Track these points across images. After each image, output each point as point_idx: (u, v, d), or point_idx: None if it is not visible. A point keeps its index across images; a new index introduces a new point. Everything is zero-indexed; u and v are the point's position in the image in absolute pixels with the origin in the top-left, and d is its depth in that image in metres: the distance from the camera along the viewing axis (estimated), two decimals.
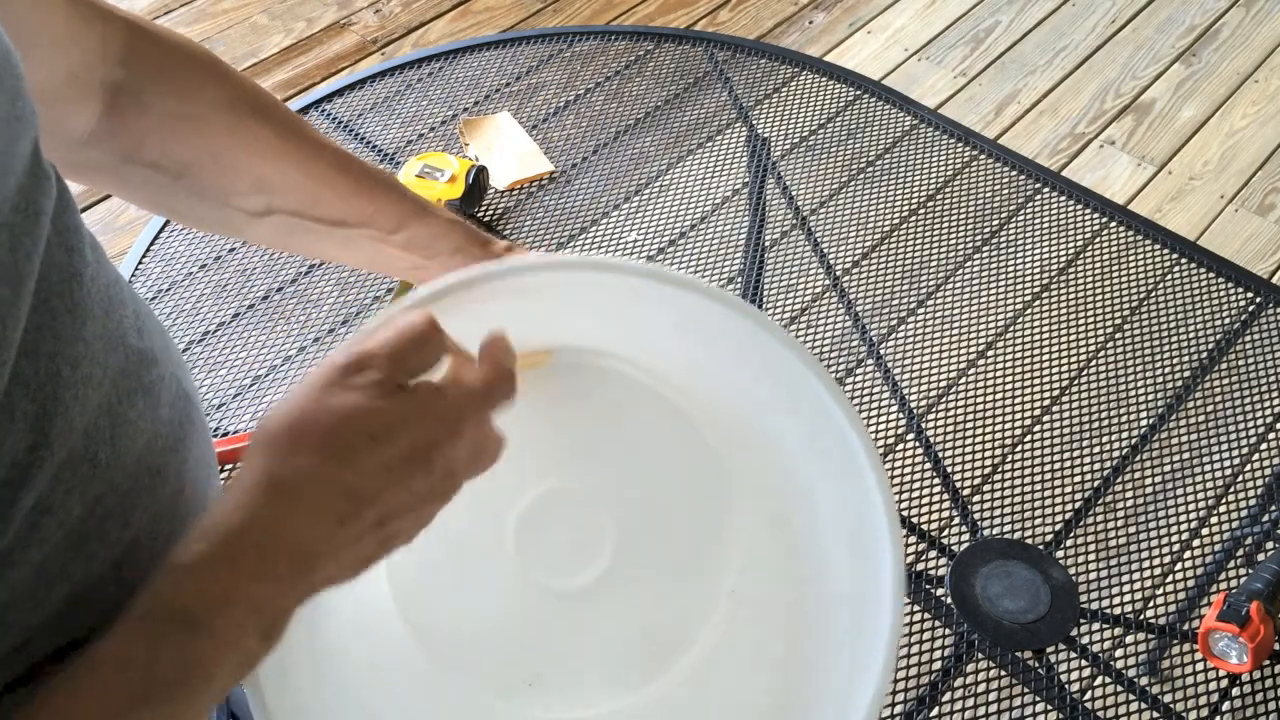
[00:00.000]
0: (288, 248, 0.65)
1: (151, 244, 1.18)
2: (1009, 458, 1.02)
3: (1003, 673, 0.87)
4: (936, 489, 1.00)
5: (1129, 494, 1.00)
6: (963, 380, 1.09)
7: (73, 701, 0.37)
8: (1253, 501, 0.99)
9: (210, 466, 0.52)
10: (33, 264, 0.38)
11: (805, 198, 1.25)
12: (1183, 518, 0.98)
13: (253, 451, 0.42)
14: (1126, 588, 0.93)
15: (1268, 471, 1.01)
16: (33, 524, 0.38)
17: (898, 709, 0.86)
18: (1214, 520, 0.98)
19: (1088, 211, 1.23)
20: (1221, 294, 1.15)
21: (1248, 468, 1.01)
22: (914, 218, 1.23)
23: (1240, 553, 0.96)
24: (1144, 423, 1.05)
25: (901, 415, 1.05)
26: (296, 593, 0.41)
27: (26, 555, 0.38)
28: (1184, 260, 1.18)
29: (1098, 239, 1.21)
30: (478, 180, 1.21)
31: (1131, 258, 1.19)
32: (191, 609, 0.39)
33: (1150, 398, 1.07)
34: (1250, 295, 1.15)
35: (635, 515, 0.68)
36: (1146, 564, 0.95)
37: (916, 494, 0.99)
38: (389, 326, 0.45)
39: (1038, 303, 1.15)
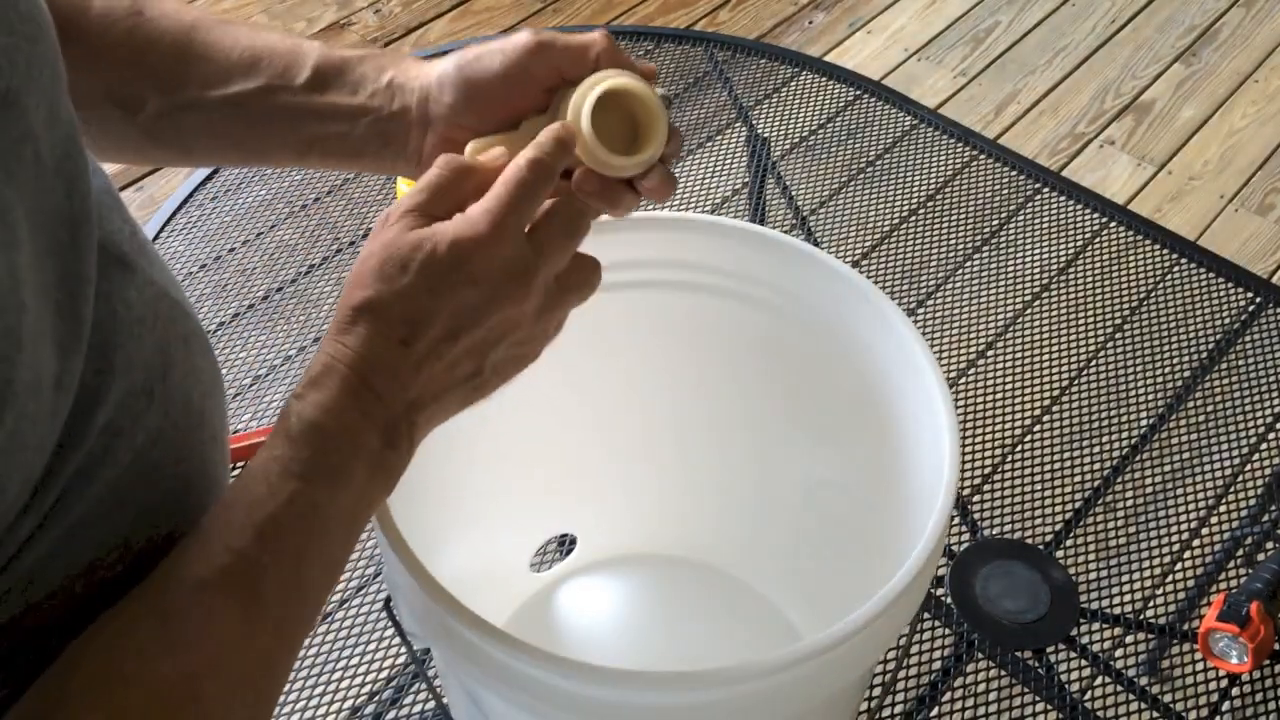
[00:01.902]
0: (185, 148, 0.61)
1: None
2: (1009, 458, 1.02)
3: (1003, 673, 0.87)
4: None
5: (1129, 494, 1.00)
6: (962, 380, 1.09)
7: (224, 505, 0.45)
8: (1253, 501, 0.99)
9: (227, 419, 0.54)
10: (87, 207, 0.40)
11: (805, 198, 1.25)
12: (1183, 518, 0.98)
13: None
14: (1126, 588, 0.93)
15: (1268, 471, 1.01)
16: (106, 446, 0.41)
17: (898, 709, 0.86)
18: (1214, 520, 0.98)
19: (1088, 211, 1.23)
20: (1221, 294, 1.15)
21: (1248, 468, 1.01)
22: (914, 218, 1.23)
23: (1240, 553, 0.96)
24: (1144, 423, 1.05)
25: None
26: (398, 406, 0.48)
27: (101, 473, 0.41)
28: (1184, 260, 1.18)
29: (1098, 239, 1.21)
30: None
31: (1131, 258, 1.19)
32: (309, 416, 0.46)
33: (1150, 398, 1.07)
34: (1250, 295, 1.15)
35: None
36: (1146, 564, 0.95)
37: None
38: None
39: (1038, 303, 1.15)
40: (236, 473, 0.47)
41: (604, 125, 0.55)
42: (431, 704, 0.85)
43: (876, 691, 0.86)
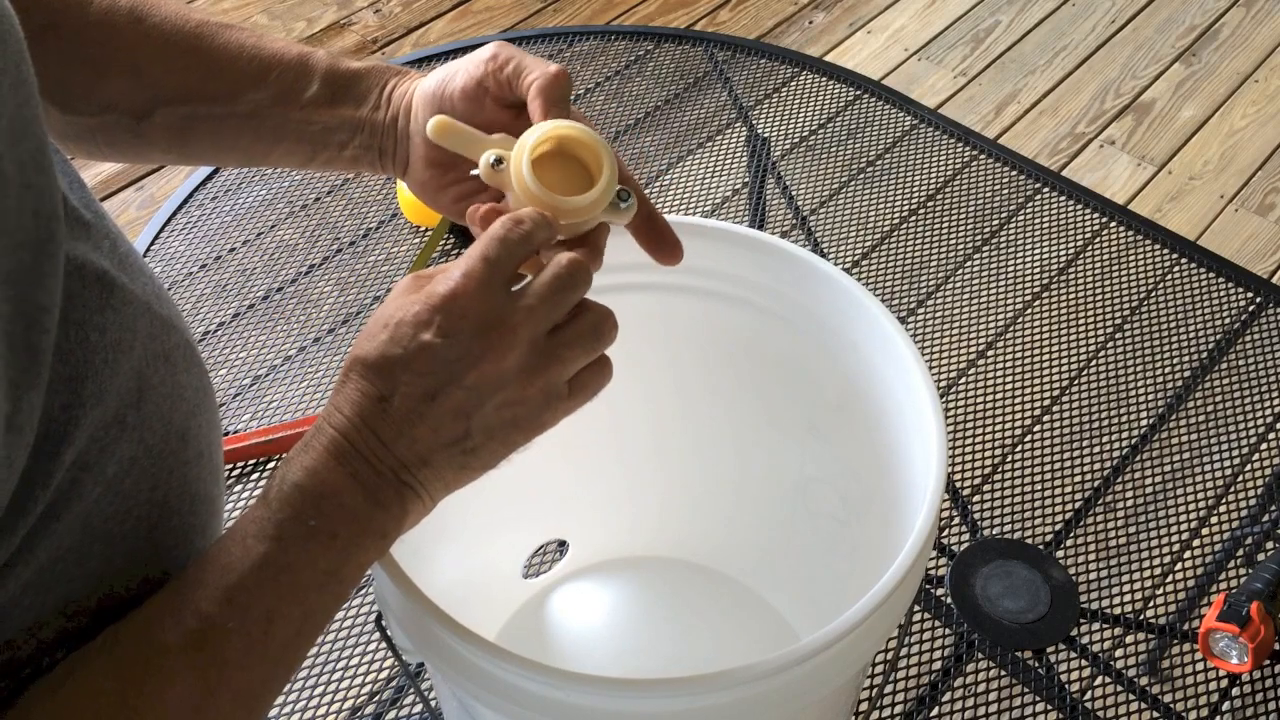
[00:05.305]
0: (190, 154, 0.61)
1: (151, 244, 1.18)
2: (1009, 458, 1.02)
3: (1003, 673, 0.87)
4: None
5: (1129, 494, 1.00)
6: (963, 380, 1.09)
7: (201, 563, 0.45)
8: (1253, 501, 0.99)
9: (219, 431, 0.53)
10: (52, 228, 0.38)
11: (805, 198, 1.25)
12: (1183, 518, 0.98)
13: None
14: (1126, 588, 0.93)
15: (1268, 471, 1.01)
16: (74, 479, 0.40)
17: (898, 709, 0.86)
18: (1214, 520, 0.98)
19: (1088, 211, 1.23)
20: (1221, 294, 1.15)
21: (1248, 468, 1.01)
22: (914, 218, 1.23)
23: (1240, 553, 0.96)
24: (1144, 423, 1.05)
25: None
26: (384, 466, 0.48)
27: (70, 509, 0.41)
28: (1184, 260, 1.18)
29: (1098, 239, 1.21)
30: None
31: (1131, 258, 1.19)
32: (291, 479, 0.46)
33: (1150, 398, 1.07)
34: (1250, 295, 1.15)
35: None
36: (1146, 564, 0.95)
37: None
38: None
39: (1038, 303, 1.15)
40: (232, 477, 0.46)
41: (558, 181, 0.54)
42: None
43: (876, 691, 0.86)
